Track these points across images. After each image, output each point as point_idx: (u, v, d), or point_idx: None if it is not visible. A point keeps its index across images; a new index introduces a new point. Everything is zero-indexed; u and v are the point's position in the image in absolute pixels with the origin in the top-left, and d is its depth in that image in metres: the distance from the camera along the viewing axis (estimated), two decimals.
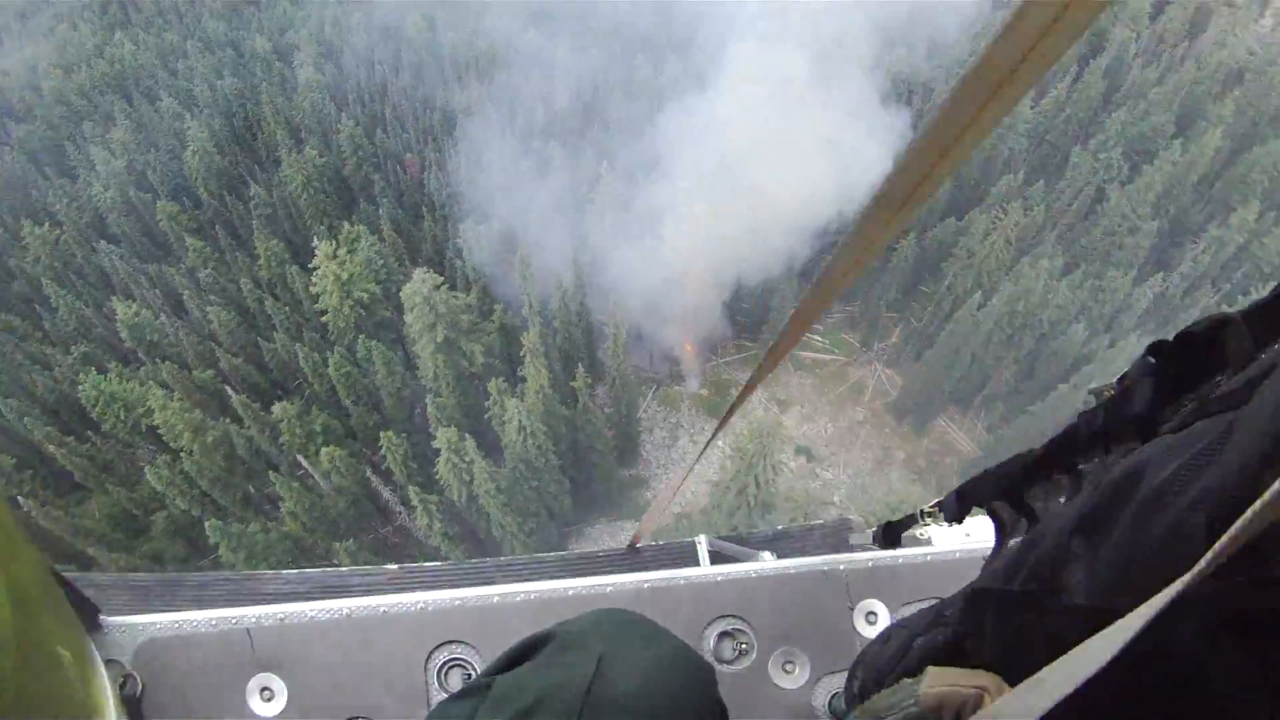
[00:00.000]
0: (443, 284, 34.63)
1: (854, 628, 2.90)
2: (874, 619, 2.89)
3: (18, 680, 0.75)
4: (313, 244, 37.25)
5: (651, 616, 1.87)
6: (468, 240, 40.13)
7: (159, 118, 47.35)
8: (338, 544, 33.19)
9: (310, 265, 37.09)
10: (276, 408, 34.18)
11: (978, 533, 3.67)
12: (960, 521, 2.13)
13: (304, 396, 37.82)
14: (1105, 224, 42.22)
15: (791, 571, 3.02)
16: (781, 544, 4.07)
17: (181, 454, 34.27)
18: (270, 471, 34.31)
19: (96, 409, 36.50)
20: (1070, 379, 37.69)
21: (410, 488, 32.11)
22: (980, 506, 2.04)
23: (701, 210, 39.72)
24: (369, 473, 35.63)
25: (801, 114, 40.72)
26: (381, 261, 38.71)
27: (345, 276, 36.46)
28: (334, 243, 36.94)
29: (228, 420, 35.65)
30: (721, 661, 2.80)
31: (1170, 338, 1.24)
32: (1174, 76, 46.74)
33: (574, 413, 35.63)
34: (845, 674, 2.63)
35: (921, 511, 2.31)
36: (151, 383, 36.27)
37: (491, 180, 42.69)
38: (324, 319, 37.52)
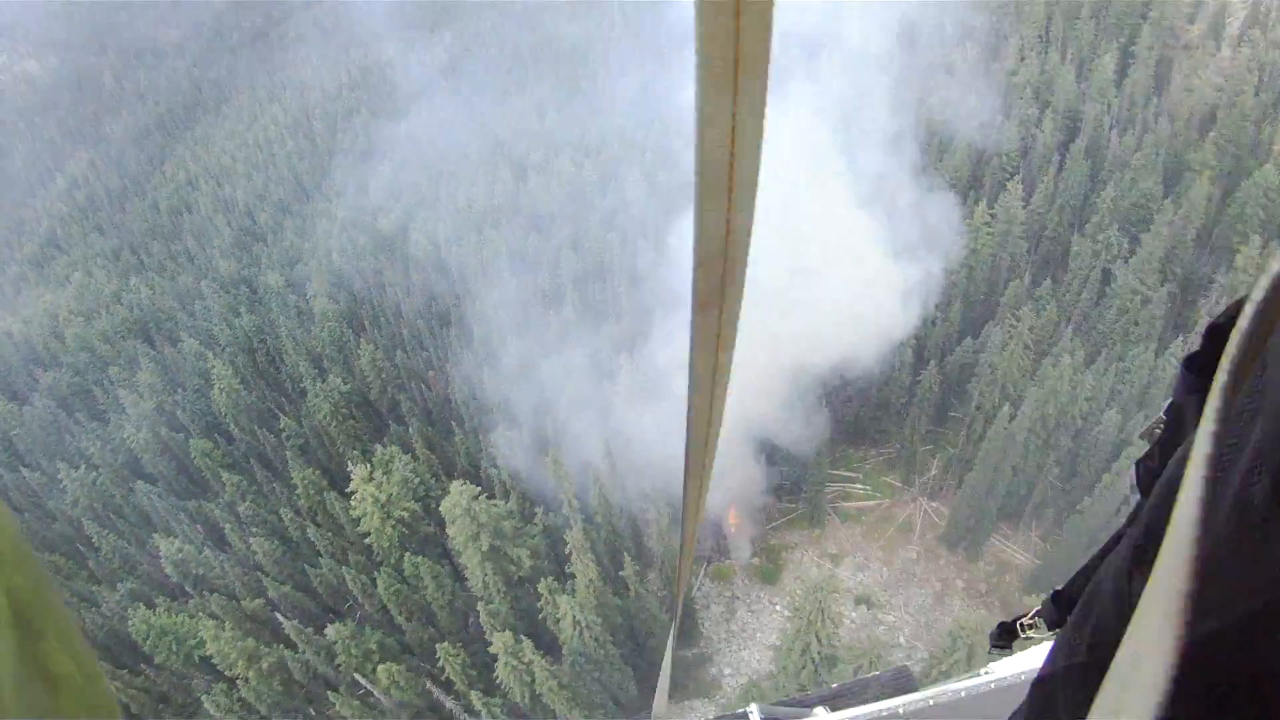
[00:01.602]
0: (481, 493, 38.78)
1: None
2: None
3: (18, 702, 0.82)
4: (348, 469, 41.88)
5: None
6: (500, 448, 44.44)
7: (182, 358, 52.91)
8: None
9: (348, 490, 41.66)
10: (330, 630, 37.89)
11: (1036, 657, 3.53)
12: (1061, 626, 2.03)
13: (356, 617, 41.96)
14: (1118, 304, 44.96)
15: None
16: (839, 700, 3.96)
17: (238, 681, 37.83)
18: (330, 692, 37.90)
19: (148, 643, 40.33)
20: (1113, 466, 39.56)
21: (472, 695, 35.61)
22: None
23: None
24: (429, 684, 38.89)
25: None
26: (418, 479, 43.19)
27: (384, 498, 40.67)
28: (369, 466, 41.61)
29: (281, 646, 39.44)
30: None
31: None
32: (1150, 136, 50.79)
33: (627, 601, 39.49)
34: None
35: (1021, 624, 2.30)
36: (201, 614, 40.33)
37: (512, 380, 47.44)
38: (367, 540, 41.78)
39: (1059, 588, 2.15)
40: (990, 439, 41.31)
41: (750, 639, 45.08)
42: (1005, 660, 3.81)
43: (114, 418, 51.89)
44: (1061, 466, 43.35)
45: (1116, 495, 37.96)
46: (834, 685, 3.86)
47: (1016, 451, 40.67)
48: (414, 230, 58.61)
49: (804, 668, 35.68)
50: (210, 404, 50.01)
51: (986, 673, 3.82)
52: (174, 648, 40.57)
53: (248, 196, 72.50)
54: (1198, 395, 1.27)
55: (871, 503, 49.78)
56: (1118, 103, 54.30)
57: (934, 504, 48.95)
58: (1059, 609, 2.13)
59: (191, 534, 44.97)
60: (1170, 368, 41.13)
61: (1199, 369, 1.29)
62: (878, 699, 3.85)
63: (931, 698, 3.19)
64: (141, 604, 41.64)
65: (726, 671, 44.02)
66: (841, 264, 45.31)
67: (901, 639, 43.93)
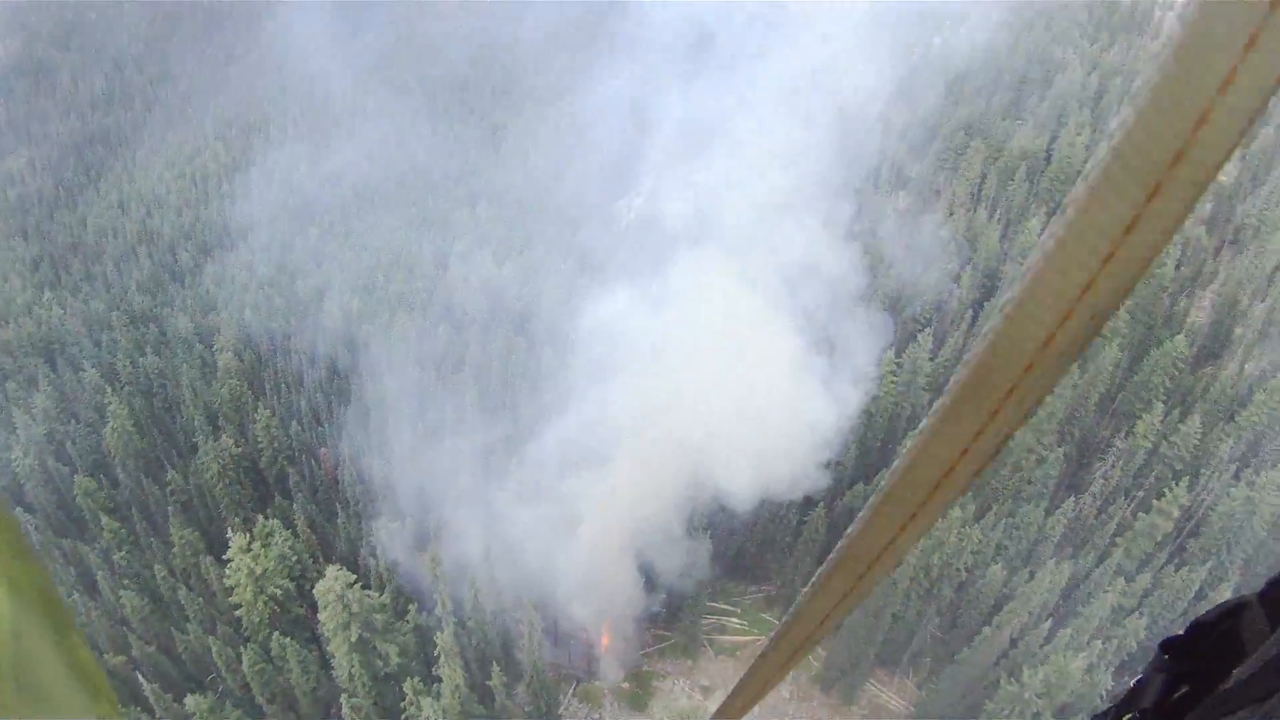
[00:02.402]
0: (356, 582, 40.39)
1: None
2: None
3: (18, 699, 0.84)
4: (227, 535, 43.65)
5: None
6: (381, 537, 46.46)
7: (81, 389, 54.51)
8: None
9: (224, 557, 43.40)
10: (189, 701, 39.13)
11: None
12: None
13: (218, 691, 43.90)
14: (1012, 461, 46.73)
15: None
16: None
17: None
18: None
19: None
20: (994, 619, 41.47)
21: None
22: None
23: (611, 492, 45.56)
24: None
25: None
26: (295, 557, 45.52)
27: (259, 571, 42.73)
28: (248, 535, 43.61)
29: (139, 709, 40.92)
30: None
31: (1180, 632, 1.29)
32: None
33: (492, 711, 41.53)
34: None
35: None
36: None
37: (402, 469, 49.66)
38: (238, 613, 43.65)
39: None
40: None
41: None
42: None
43: (3, 437, 53.09)
44: (942, 616, 45.21)
45: (995, 648, 40.30)
46: None
47: (898, 598, 42.50)
48: (329, 300, 60.68)
49: None
50: (101, 441, 51.56)
51: None
52: None
53: (174, 232, 74.00)
54: (1163, 675, 1.37)
55: (748, 638, 51.18)
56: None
57: None
58: None
59: (64, 575, 46.29)
60: (1059, 526, 43.78)
61: (1174, 653, 1.37)
62: None
63: None
64: None
65: None
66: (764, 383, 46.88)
67: None
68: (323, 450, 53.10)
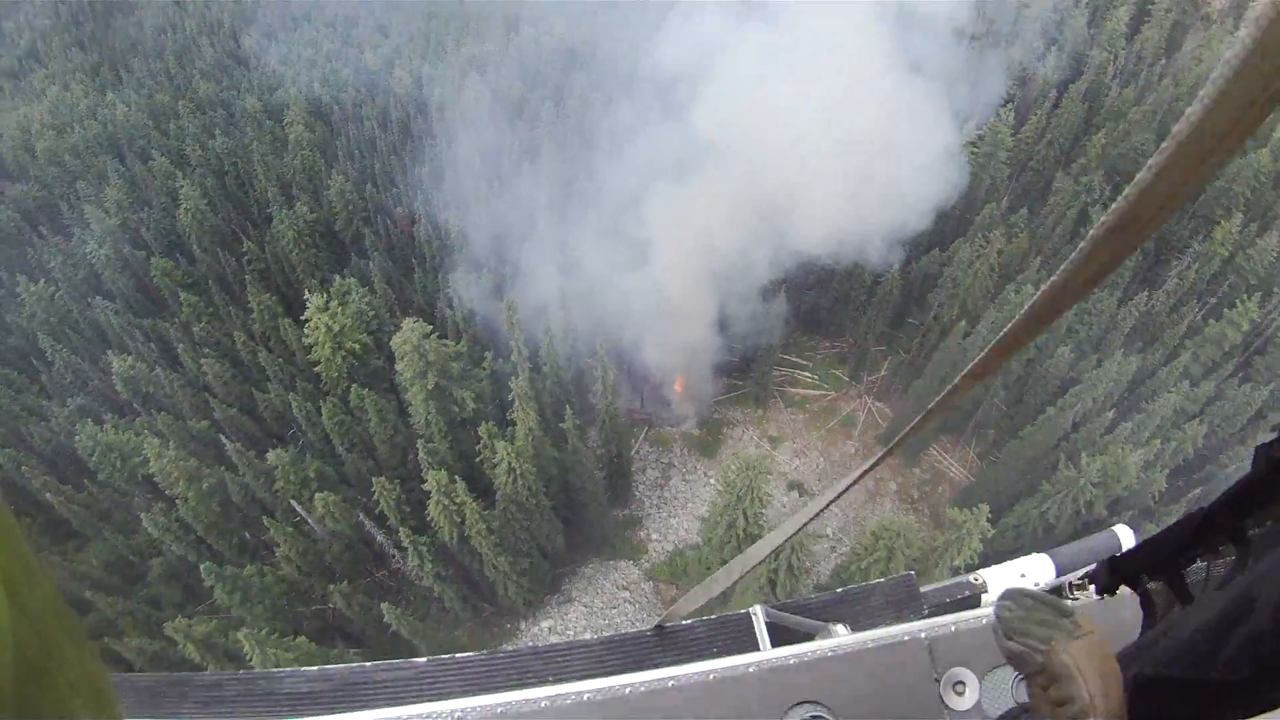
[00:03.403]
0: (433, 332, 40.80)
1: (942, 700, 2.92)
2: (962, 689, 2.91)
3: (17, 695, 0.82)
4: (305, 297, 44.04)
5: (723, 711, 2.39)
6: (457, 289, 46.68)
7: (152, 177, 54.92)
8: (332, 587, 39.44)
9: (303, 318, 43.89)
10: (271, 455, 40.28)
11: (1033, 572, 3.69)
12: (1113, 593, 2.26)
13: (298, 444, 44.97)
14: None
15: (870, 645, 3.03)
16: (843, 608, 3.99)
17: (177, 501, 40.59)
18: (265, 517, 40.69)
19: (93, 458, 43.28)
20: (1058, 401, 42.47)
21: (402, 530, 37.97)
22: (1131, 580, 2.14)
23: (690, 232, 45.17)
24: (362, 517, 41.79)
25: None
26: (373, 313, 45.75)
27: (337, 328, 42.76)
28: (325, 295, 43.84)
29: (223, 468, 42.39)
30: None
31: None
32: (1152, 95, 53.15)
33: (564, 454, 41.93)
34: None
35: (1070, 584, 2.39)
36: (147, 433, 43.17)
37: (478, 224, 49.55)
38: (317, 369, 44.34)
39: (1119, 554, 2.23)
40: (942, 350, 44.47)
41: (681, 507, 48.40)
42: (998, 570, 4.09)
43: (78, 233, 54.30)
44: (1008, 391, 46.69)
45: (1057, 428, 41.16)
46: (838, 590, 3.94)
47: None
48: (399, 66, 59.96)
49: (728, 542, 38.00)
50: (175, 223, 52.18)
51: (977, 579, 4.10)
52: (118, 464, 43.23)
53: (234, 19, 73.87)
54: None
55: (817, 392, 52.91)
56: (1125, 55, 56.35)
57: (879, 404, 52.29)
58: (1113, 577, 2.16)
59: (145, 352, 47.58)
60: (1130, 318, 44.92)
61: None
62: (884, 608, 4.13)
63: (954, 623, 3.23)
64: (90, 420, 44.03)
65: (654, 536, 47.48)
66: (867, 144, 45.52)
67: (829, 530, 46.82)
68: (397, 210, 53.07)
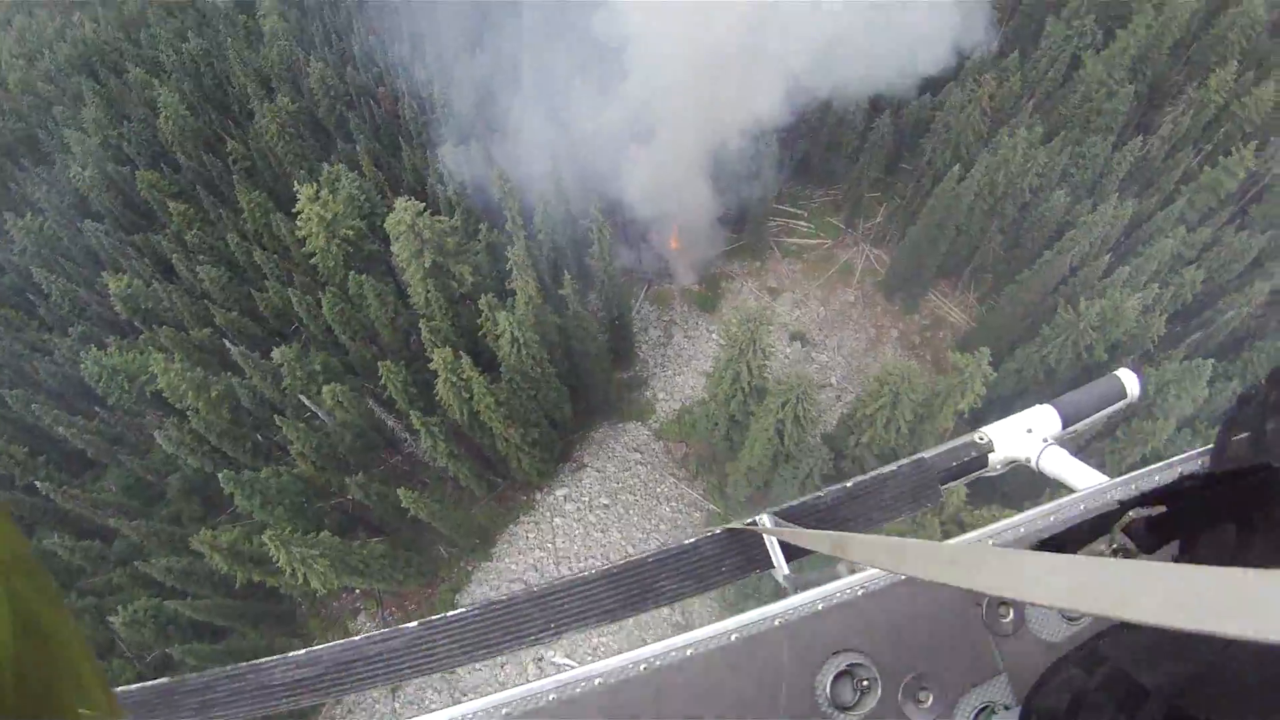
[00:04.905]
0: (425, 210, 41.51)
1: (985, 624, 2.81)
2: (1007, 611, 2.78)
3: (17, 692, 0.85)
4: (294, 189, 44.82)
5: (753, 675, 2.36)
6: (447, 164, 47.49)
7: (128, 89, 56.02)
8: (349, 479, 40.77)
9: (294, 210, 44.67)
10: (276, 353, 41.55)
11: (1039, 425, 3.67)
12: (1153, 551, 2.03)
13: (301, 339, 46.32)
14: (1083, 90, 48.81)
15: (902, 574, 2.81)
16: (855, 505, 3.73)
17: (188, 413, 42.05)
18: (276, 417, 41.91)
19: (100, 384, 45.03)
20: (1055, 245, 44.00)
21: (412, 413, 39.06)
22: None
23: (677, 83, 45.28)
24: (372, 404, 43.35)
25: None
26: (364, 197, 46.33)
27: (329, 217, 43.59)
28: (315, 185, 44.42)
29: (229, 374, 43.90)
30: (843, 709, 2.75)
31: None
32: None
33: (565, 320, 42.77)
34: (987, 686, 2.72)
35: (1114, 516, 2.08)
36: (150, 349, 44.32)
37: (463, 95, 50.10)
38: (312, 261, 45.27)
39: (1183, 487, 2.06)
40: (937, 196, 45.39)
41: (685, 364, 50.33)
42: (1002, 425, 3.74)
43: (60, 159, 55.50)
44: (1005, 235, 48.89)
45: (1055, 272, 43.05)
46: (847, 485, 3.58)
47: (962, 212, 45.84)
48: None
49: (734, 396, 39.38)
50: (156, 134, 52.99)
51: (983, 438, 3.69)
52: (125, 386, 44.85)
53: None
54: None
55: (814, 241, 54.73)
56: None
57: (876, 251, 53.81)
58: (1161, 530, 1.95)
59: (140, 268, 48.94)
60: (1125, 163, 46.15)
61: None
62: (900, 499, 3.78)
63: (991, 535, 3.00)
64: (92, 345, 45.63)
65: (661, 396, 49.34)
66: None
67: (833, 379, 48.90)
68: (380, 90, 53.48)
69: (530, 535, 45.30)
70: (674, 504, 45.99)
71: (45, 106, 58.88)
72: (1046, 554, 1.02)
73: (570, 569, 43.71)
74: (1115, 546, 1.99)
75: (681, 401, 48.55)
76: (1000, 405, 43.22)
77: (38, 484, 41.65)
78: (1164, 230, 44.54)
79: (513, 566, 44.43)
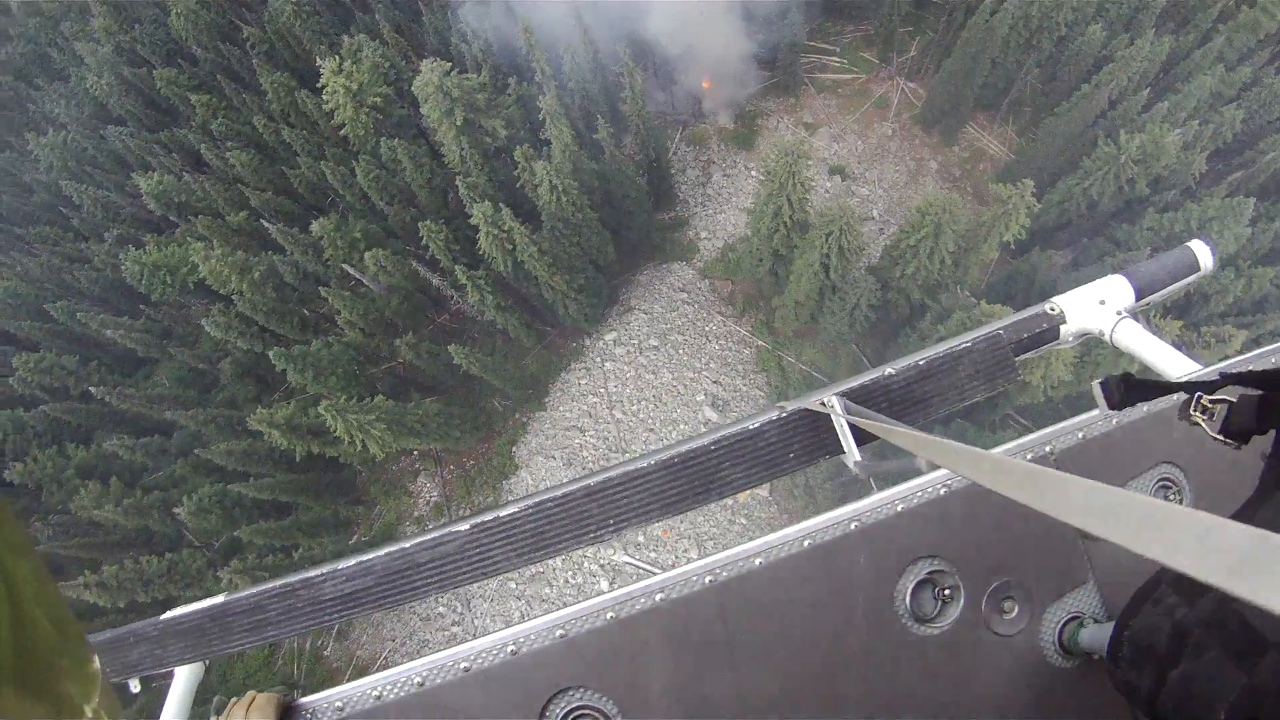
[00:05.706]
0: (452, 69, 42.22)
1: (1073, 529, 2.71)
2: None
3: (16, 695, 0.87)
4: (317, 65, 45.48)
5: (830, 585, 2.29)
6: (469, 22, 47.83)
7: None
8: (398, 341, 42.31)
9: (319, 86, 45.34)
10: (315, 225, 42.87)
11: (1112, 297, 3.48)
12: (1246, 441, 1.87)
13: (339, 210, 47.21)
14: None
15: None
16: (929, 384, 3.44)
17: (233, 298, 43.40)
18: (321, 289, 43.38)
19: (142, 282, 46.80)
20: (1093, 79, 44.55)
21: (457, 269, 40.43)
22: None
23: None
24: (415, 265, 44.16)
25: None
26: (388, 63, 47.00)
27: (355, 87, 44.35)
28: (338, 58, 44.93)
29: (269, 253, 45.30)
30: (924, 621, 2.73)
31: None
32: None
33: (602, 165, 43.83)
34: (1075, 595, 2.68)
35: (1197, 400, 1.94)
36: (189, 240, 45.85)
37: None
38: (342, 132, 46.17)
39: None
40: (971, 28, 45.52)
41: (726, 202, 51.41)
42: (1073, 295, 3.51)
43: (74, 72, 56.62)
44: (1041, 69, 48.56)
45: (1094, 105, 43.29)
46: (919, 362, 3.33)
47: (997, 45, 45.45)
48: None
49: (776, 231, 40.29)
50: (169, 32, 53.50)
51: (1054, 309, 3.46)
52: (168, 280, 46.36)
53: None
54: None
55: (848, 76, 55.15)
56: None
57: (911, 85, 54.11)
58: (1265, 413, 1.81)
59: (169, 164, 50.14)
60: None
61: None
62: (975, 378, 3.46)
63: (1081, 429, 3.05)
64: (130, 246, 46.92)
65: (703, 235, 50.43)
66: None
67: (875, 213, 49.80)
68: None
69: (582, 381, 46.64)
70: (722, 341, 47.22)
71: (52, 24, 59.90)
72: (1170, 506, 0.97)
73: (624, 413, 45.27)
74: (1210, 416, 1.89)
75: (724, 239, 49.65)
76: (1043, 237, 45.08)
77: (91, 390, 43.11)
78: (1202, 68, 44.80)
79: (567, 414, 45.79)
